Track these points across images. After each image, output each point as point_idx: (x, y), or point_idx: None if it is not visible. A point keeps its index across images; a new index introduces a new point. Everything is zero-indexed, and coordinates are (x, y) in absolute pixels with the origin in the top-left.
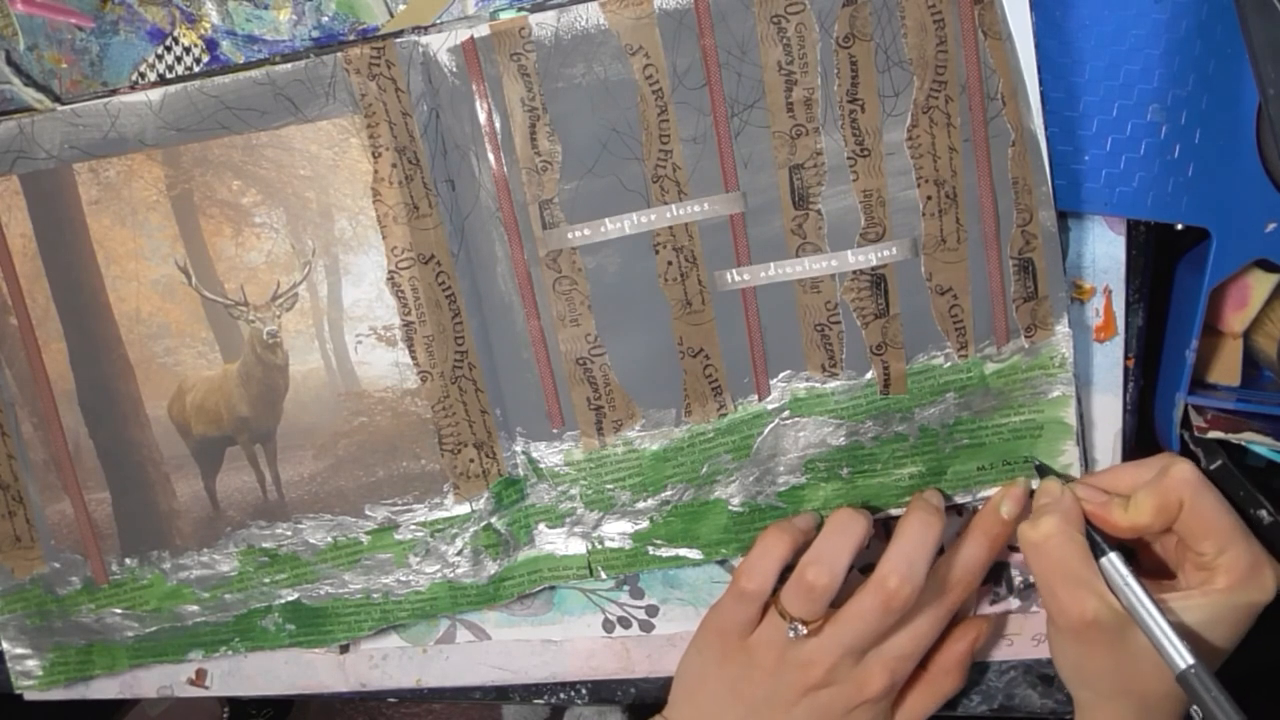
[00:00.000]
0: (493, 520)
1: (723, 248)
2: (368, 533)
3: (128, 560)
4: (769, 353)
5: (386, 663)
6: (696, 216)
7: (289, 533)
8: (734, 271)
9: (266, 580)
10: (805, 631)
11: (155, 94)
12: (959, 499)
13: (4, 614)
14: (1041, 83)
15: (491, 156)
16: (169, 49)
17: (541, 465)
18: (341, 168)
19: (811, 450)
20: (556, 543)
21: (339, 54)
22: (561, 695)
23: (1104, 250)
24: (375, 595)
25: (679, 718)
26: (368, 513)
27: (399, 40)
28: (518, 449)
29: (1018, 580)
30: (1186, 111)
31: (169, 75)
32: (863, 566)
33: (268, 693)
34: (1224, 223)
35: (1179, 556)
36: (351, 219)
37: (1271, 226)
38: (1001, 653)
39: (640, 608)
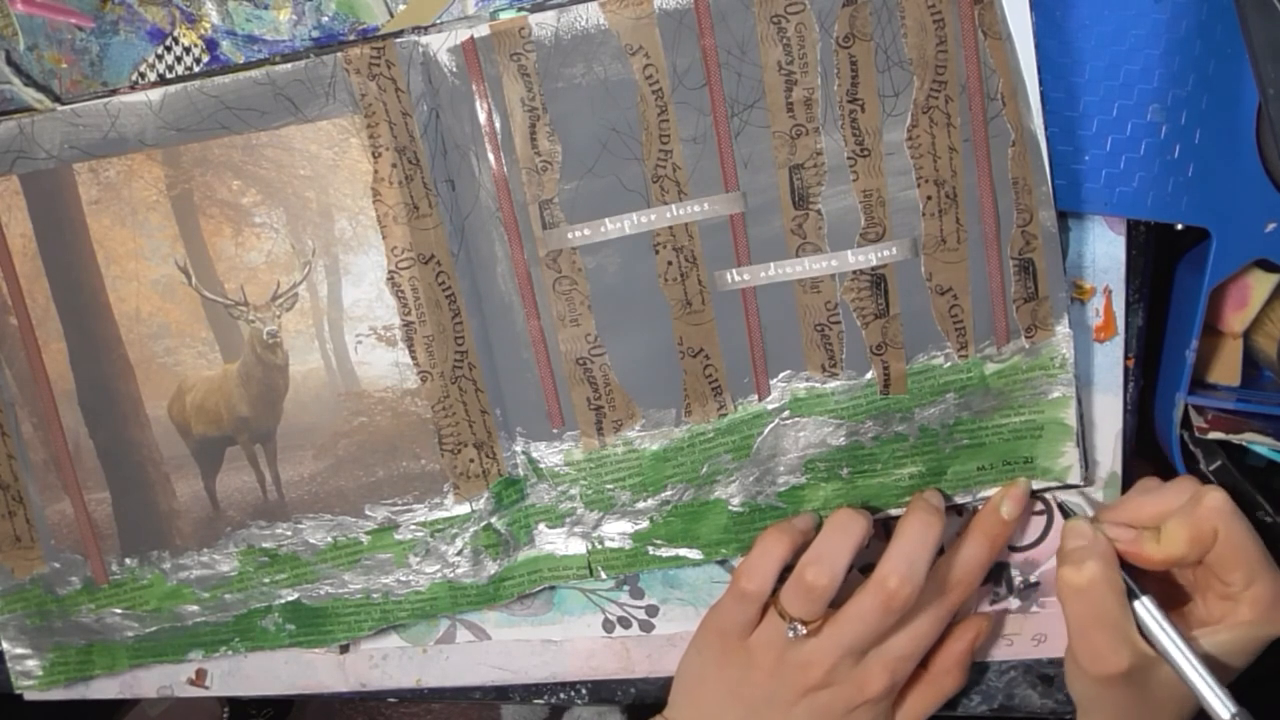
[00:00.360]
0: (493, 520)
1: (723, 248)
2: (368, 533)
3: (128, 560)
4: (769, 353)
5: (386, 663)
6: (696, 216)
7: (289, 533)
8: (734, 271)
9: (266, 580)
10: (804, 632)
11: (155, 94)
12: (959, 499)
13: (4, 614)
14: (1041, 83)
15: (491, 156)
16: (169, 49)
17: (541, 465)
18: (341, 168)
19: (811, 450)
20: (556, 543)
21: (339, 54)
22: (561, 695)
23: (1104, 250)
24: (375, 595)
25: (679, 718)
26: (368, 513)
27: (399, 40)
28: (518, 449)
29: (1018, 580)
30: (1186, 111)
31: (169, 75)
32: (863, 567)
33: (268, 693)
34: (1224, 223)
35: (1201, 584)
36: (351, 219)
37: (1271, 226)
38: (1001, 653)
39: (640, 608)
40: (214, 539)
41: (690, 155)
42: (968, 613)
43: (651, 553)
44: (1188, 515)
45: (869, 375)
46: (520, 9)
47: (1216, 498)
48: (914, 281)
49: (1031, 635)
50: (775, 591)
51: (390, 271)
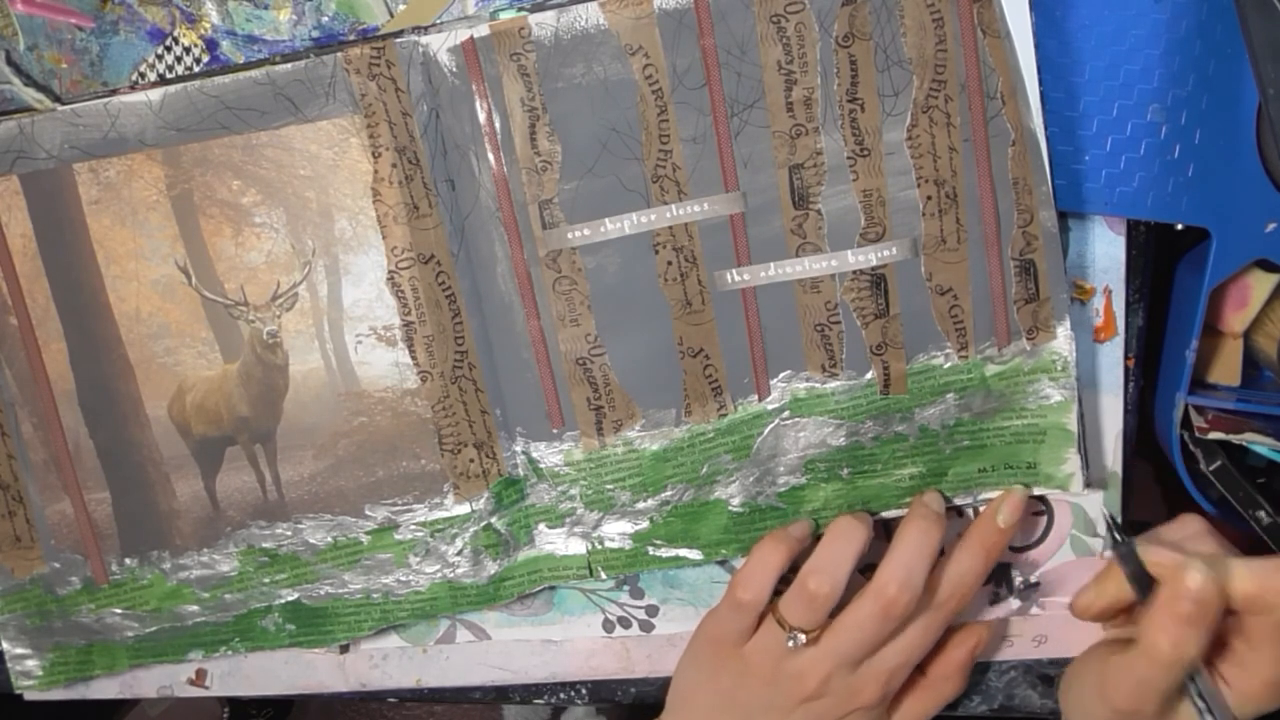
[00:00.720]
0: (493, 520)
1: (723, 248)
2: (368, 533)
3: (128, 560)
4: (769, 353)
5: (386, 663)
6: (696, 216)
7: (289, 533)
8: (734, 271)
9: (266, 580)
10: (805, 641)
11: (155, 94)
12: (959, 501)
13: (4, 614)
14: (1041, 83)
15: (491, 156)
16: (169, 49)
17: (541, 465)
18: (341, 168)
19: (811, 450)
20: (556, 543)
21: (339, 54)
22: (561, 695)
23: (1104, 250)
24: (375, 595)
25: None
26: (368, 513)
27: (399, 40)
28: (518, 449)
29: (1018, 581)
30: (1186, 111)
31: (169, 75)
32: (862, 568)
33: (268, 693)
34: (1224, 223)
35: (1220, 639)
36: (351, 219)
37: (1271, 226)
38: (1001, 653)
39: (640, 608)
40: (214, 539)
41: (690, 155)
42: (967, 618)
43: (651, 553)
44: (1267, 571)
45: (869, 375)
46: (520, 9)
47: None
48: (914, 281)
49: (1032, 636)
50: (771, 600)
51: (390, 271)
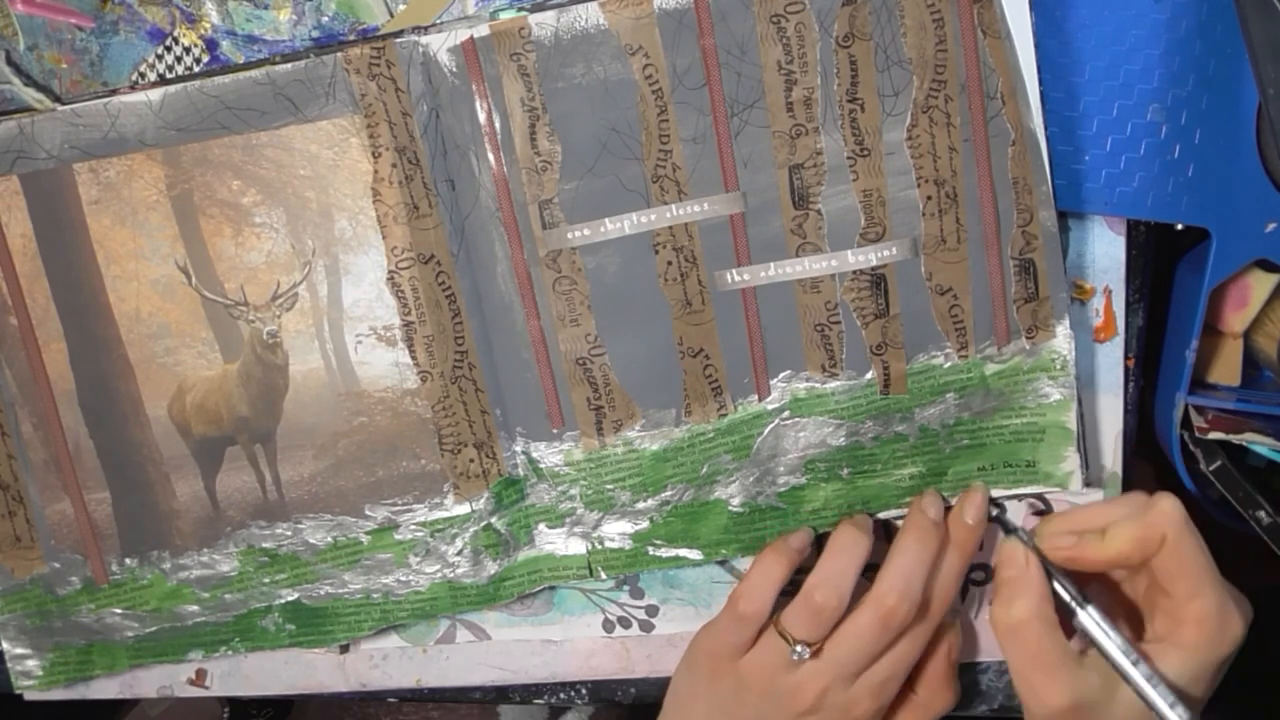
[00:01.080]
0: (493, 520)
1: (723, 248)
2: (368, 533)
3: (128, 560)
4: (769, 353)
5: (386, 663)
6: (696, 216)
7: (289, 533)
8: (734, 271)
9: (266, 580)
10: (809, 654)
11: (155, 94)
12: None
13: (4, 614)
14: (1041, 83)
15: (491, 156)
16: (169, 49)
17: (541, 465)
18: (341, 168)
19: (811, 450)
20: (556, 543)
21: (339, 54)
22: (561, 695)
23: (1104, 250)
24: (375, 595)
25: None
26: (368, 513)
27: (399, 40)
28: (518, 449)
29: None
30: (1186, 111)
31: (169, 75)
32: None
33: (268, 693)
34: (1224, 223)
35: (1149, 603)
36: (351, 219)
37: (1271, 226)
38: (1001, 653)
39: (640, 608)
40: (214, 539)
41: (690, 155)
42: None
43: (651, 553)
44: (1138, 517)
45: (869, 375)
46: (520, 9)
47: (1170, 502)
48: (914, 281)
49: None
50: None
51: (390, 271)
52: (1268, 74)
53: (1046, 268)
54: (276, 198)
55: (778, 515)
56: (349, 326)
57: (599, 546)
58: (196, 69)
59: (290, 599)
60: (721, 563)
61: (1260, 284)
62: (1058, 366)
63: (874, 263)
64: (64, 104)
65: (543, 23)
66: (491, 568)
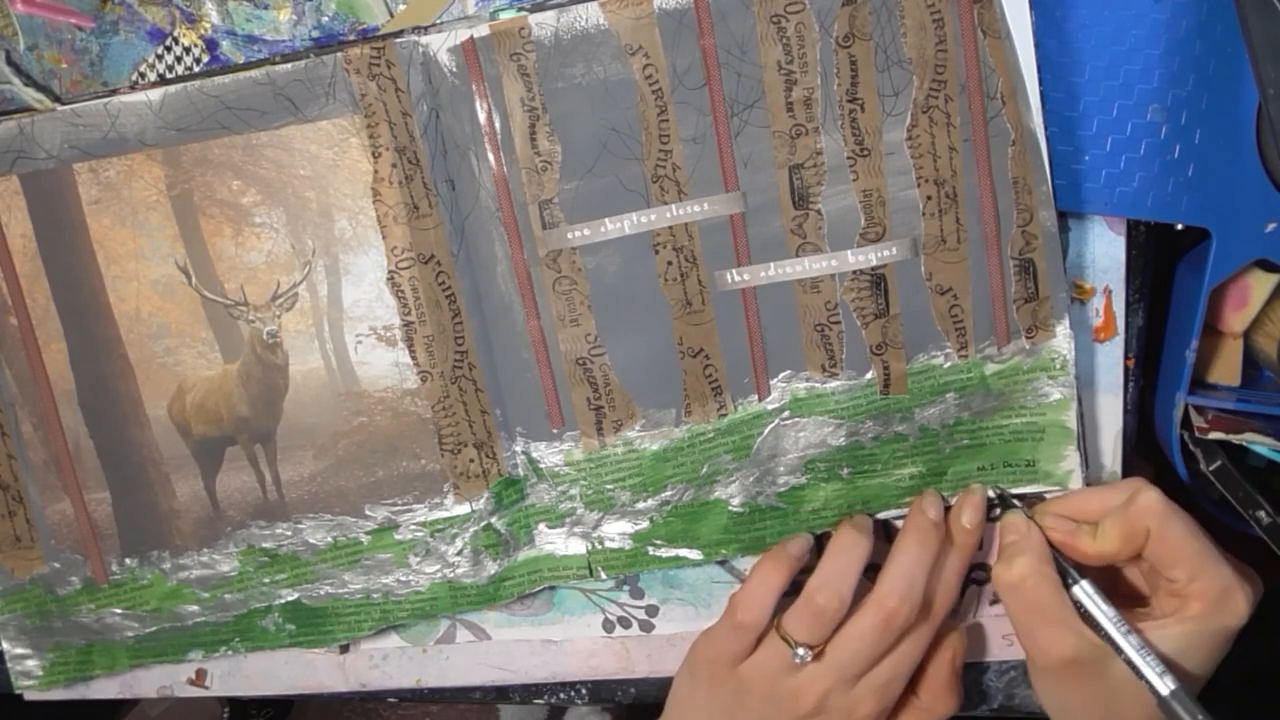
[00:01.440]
0: (493, 520)
1: (723, 248)
2: (368, 533)
3: (128, 560)
4: (769, 353)
5: (386, 663)
6: (696, 216)
7: (289, 533)
8: (734, 271)
9: (266, 580)
10: (811, 657)
11: (155, 94)
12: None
13: (4, 614)
14: (1041, 83)
15: (491, 156)
16: (169, 49)
17: (541, 465)
18: (341, 168)
19: (811, 450)
20: (556, 543)
21: (339, 54)
22: (561, 695)
23: (1104, 250)
24: (375, 595)
25: None
26: (368, 513)
27: (399, 40)
28: (518, 449)
29: None
30: (1186, 111)
31: (169, 75)
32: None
33: (268, 693)
34: (1224, 223)
35: (1152, 583)
36: (351, 219)
37: (1271, 226)
38: (1001, 653)
39: (640, 608)
40: (214, 539)
41: (690, 155)
42: (958, 619)
43: (651, 553)
44: (1121, 513)
45: (869, 375)
46: (520, 9)
47: (1149, 497)
48: (914, 281)
49: None
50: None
51: (390, 271)
52: (1268, 74)
53: (1046, 268)
54: (276, 198)
55: (778, 515)
56: (349, 326)
57: (599, 546)
58: (196, 69)
59: (290, 599)
60: (721, 563)
61: (1260, 284)
62: (1057, 366)
63: (874, 263)
64: (64, 104)
65: (543, 23)
66: (491, 568)
